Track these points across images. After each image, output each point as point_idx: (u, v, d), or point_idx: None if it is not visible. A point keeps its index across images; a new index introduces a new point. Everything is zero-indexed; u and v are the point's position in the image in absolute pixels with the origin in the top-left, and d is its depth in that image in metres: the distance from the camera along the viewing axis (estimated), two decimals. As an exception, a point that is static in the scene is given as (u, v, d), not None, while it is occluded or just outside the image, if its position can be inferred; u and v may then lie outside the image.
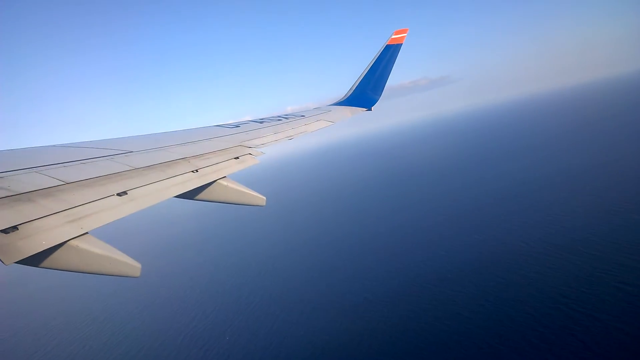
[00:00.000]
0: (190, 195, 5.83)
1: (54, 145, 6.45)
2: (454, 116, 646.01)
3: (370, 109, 15.95)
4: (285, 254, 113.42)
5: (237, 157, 7.23)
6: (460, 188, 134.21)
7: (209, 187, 6.06)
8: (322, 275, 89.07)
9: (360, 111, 15.54)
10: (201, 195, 6.04)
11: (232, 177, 6.48)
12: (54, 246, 3.55)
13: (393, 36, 16.48)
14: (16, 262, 3.28)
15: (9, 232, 3.32)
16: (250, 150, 7.80)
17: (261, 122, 10.99)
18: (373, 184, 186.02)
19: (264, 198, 6.46)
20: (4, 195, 3.75)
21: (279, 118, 12.05)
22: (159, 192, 5.10)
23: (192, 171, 6.00)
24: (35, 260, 3.50)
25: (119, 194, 4.61)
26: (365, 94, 16.31)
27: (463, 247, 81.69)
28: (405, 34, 16.55)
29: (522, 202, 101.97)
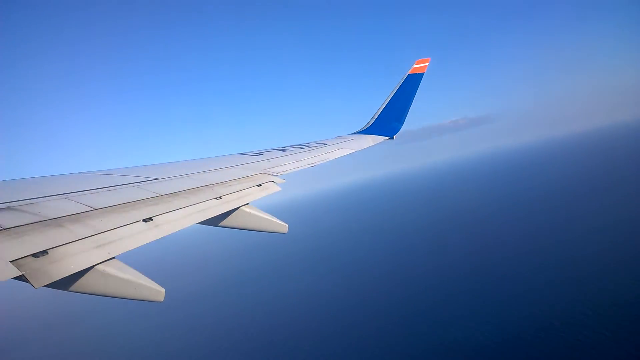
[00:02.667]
0: (214, 221, 5.89)
1: (83, 173, 6.65)
2: (490, 156, 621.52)
3: (392, 138, 15.93)
4: (307, 283, 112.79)
5: (260, 185, 7.28)
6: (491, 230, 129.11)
7: (232, 214, 6.11)
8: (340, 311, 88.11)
9: (381, 139, 15.52)
10: (224, 222, 6.09)
11: (255, 204, 6.53)
12: (82, 270, 3.63)
13: (415, 66, 16.56)
14: (45, 286, 3.35)
15: (38, 257, 3.41)
16: (272, 178, 7.84)
17: (284, 150, 11.10)
18: (409, 223, 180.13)
19: (286, 225, 6.47)
20: (35, 221, 3.87)
21: (301, 146, 12.14)
22: (183, 218, 5.18)
23: (216, 198, 6.07)
24: (64, 284, 3.57)
25: (144, 220, 4.70)
26: (387, 122, 16.31)
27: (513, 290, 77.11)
28: (427, 64, 16.61)
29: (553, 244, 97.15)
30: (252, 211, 6.32)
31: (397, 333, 68.40)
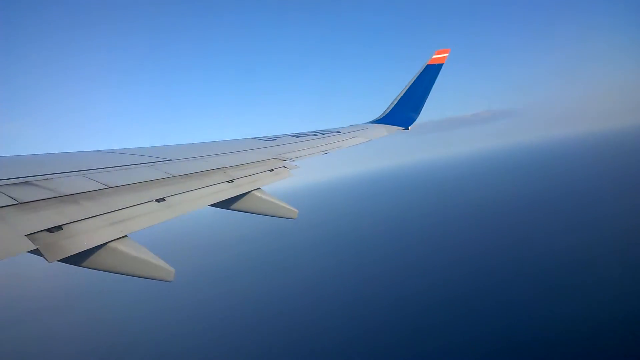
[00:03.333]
0: (225, 205, 5.94)
1: (99, 151, 6.73)
2: (510, 151, 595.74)
3: (407, 129, 15.80)
4: (314, 266, 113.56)
5: (272, 170, 7.32)
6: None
7: (243, 198, 6.14)
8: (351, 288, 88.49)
9: (396, 130, 15.41)
10: (235, 205, 6.13)
11: (266, 189, 6.57)
12: (95, 247, 3.70)
13: (434, 56, 16.33)
14: (58, 260, 3.42)
15: (53, 232, 3.47)
16: (285, 164, 7.87)
17: (297, 137, 11.10)
18: (420, 215, 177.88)
19: (296, 211, 6.49)
20: (50, 196, 3.94)
21: (315, 133, 12.13)
22: (195, 200, 5.23)
23: (228, 181, 6.12)
24: (76, 259, 3.63)
25: (157, 200, 4.75)
26: (403, 113, 16.16)
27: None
28: (446, 54, 16.36)
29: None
30: (263, 196, 6.35)
31: (406, 329, 68.23)
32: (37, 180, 4.25)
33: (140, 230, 4.20)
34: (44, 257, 3.27)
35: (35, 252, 3.25)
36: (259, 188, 6.43)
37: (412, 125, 15.95)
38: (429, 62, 16.37)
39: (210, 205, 5.58)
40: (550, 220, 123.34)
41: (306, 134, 11.77)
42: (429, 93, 16.47)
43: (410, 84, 16.50)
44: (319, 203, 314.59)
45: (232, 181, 6.19)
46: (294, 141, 10.34)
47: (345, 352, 63.38)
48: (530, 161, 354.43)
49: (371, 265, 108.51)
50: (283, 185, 7.78)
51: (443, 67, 16.25)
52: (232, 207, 6.13)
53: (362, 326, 71.30)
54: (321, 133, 12.31)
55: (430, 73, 16.41)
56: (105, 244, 3.80)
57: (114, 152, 6.67)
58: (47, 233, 3.43)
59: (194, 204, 5.17)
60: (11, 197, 3.64)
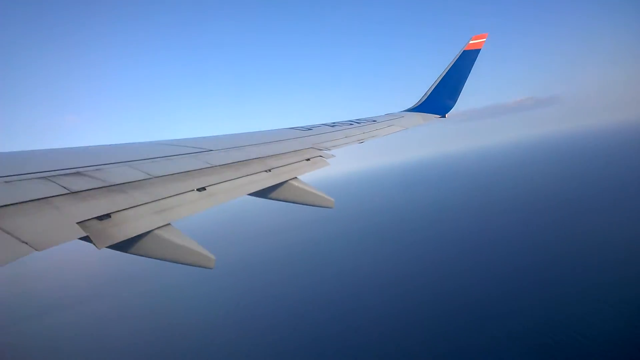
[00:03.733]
0: (263, 194, 6.05)
1: (144, 142, 6.98)
2: (554, 139, 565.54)
3: (444, 116, 15.44)
4: (354, 256, 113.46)
5: (309, 159, 7.38)
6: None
7: (280, 187, 6.24)
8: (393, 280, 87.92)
9: (433, 118, 15.10)
10: (273, 194, 6.23)
11: (303, 178, 6.63)
12: (140, 234, 3.88)
13: (471, 41, 15.79)
14: (106, 247, 3.61)
15: (102, 220, 3.66)
16: (321, 153, 7.91)
17: (333, 126, 11.09)
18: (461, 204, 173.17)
19: (333, 200, 6.52)
20: (100, 186, 4.14)
21: (350, 122, 12.07)
22: (234, 189, 5.36)
23: (266, 171, 6.23)
24: (123, 246, 3.82)
25: (198, 190, 4.90)
26: (439, 100, 15.78)
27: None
28: (484, 39, 15.79)
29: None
30: (300, 185, 6.42)
31: (453, 327, 66.58)
32: (87, 171, 4.47)
33: (182, 218, 4.36)
34: (94, 244, 3.46)
35: (86, 239, 3.45)
36: (296, 177, 6.50)
37: (448, 113, 15.58)
38: (465, 48, 15.86)
39: (249, 195, 5.70)
40: (606, 213, 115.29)
41: (342, 124, 11.74)
42: (465, 80, 15.98)
43: (446, 71, 16.06)
44: (357, 192, 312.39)
45: (270, 170, 6.29)
46: (329, 130, 10.34)
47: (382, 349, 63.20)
48: (579, 149, 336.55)
49: (411, 261, 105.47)
50: (320, 175, 7.82)
51: (483, 53, 15.69)
52: (270, 196, 6.24)
53: (402, 327, 70.13)
54: (357, 122, 12.24)
55: (467, 59, 15.89)
56: (150, 231, 3.97)
57: (159, 143, 6.90)
58: (97, 221, 3.62)
59: (233, 193, 5.30)
60: (64, 187, 3.85)
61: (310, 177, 6.77)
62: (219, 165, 5.81)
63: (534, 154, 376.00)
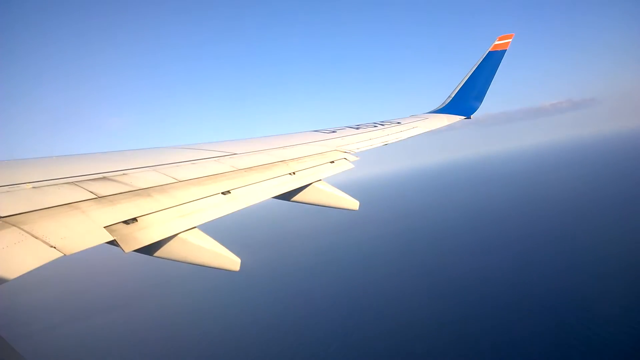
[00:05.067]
0: (287, 196, 6.03)
1: (169, 147, 7.06)
2: (590, 142, 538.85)
3: (469, 117, 15.18)
4: (378, 260, 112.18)
5: (333, 162, 7.32)
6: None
7: (304, 190, 6.22)
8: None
9: (458, 119, 14.85)
10: (297, 197, 6.21)
11: (328, 180, 6.57)
12: (166, 238, 3.89)
13: (496, 42, 15.46)
14: (133, 251, 3.63)
15: (129, 224, 3.69)
16: (345, 155, 7.85)
17: (357, 128, 11.00)
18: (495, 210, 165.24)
19: (357, 202, 6.45)
20: (126, 190, 4.19)
21: (374, 124, 11.96)
22: (259, 192, 5.37)
23: (290, 173, 6.21)
24: (150, 250, 3.85)
25: (223, 193, 4.92)
26: (464, 102, 15.52)
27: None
28: (509, 40, 15.43)
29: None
30: (324, 187, 6.37)
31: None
32: (114, 176, 4.53)
33: (208, 222, 4.37)
34: (121, 248, 3.48)
35: (113, 242, 3.48)
36: (320, 180, 6.46)
37: (473, 114, 15.32)
38: (490, 49, 15.55)
39: (273, 197, 5.68)
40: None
41: (366, 125, 11.64)
42: (491, 81, 15.67)
43: (471, 72, 15.78)
44: (385, 195, 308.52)
45: (294, 173, 6.27)
46: (353, 133, 10.25)
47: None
48: (613, 153, 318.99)
49: (442, 267, 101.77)
50: (344, 178, 7.74)
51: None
52: (294, 199, 6.21)
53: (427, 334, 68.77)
54: (381, 124, 12.12)
55: (492, 60, 15.57)
56: (176, 235, 4.00)
57: (184, 147, 6.97)
58: (124, 225, 3.65)
59: (258, 196, 5.30)
60: (91, 192, 3.90)
61: (334, 180, 6.71)
62: (244, 169, 5.81)
63: (565, 158, 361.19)
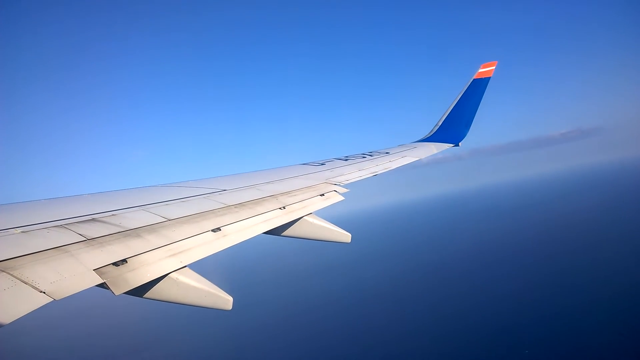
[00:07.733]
0: (278, 231, 6.00)
1: (158, 185, 7.05)
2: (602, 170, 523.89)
3: (457, 145, 15.36)
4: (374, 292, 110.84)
5: (323, 194, 7.33)
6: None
7: (295, 224, 6.20)
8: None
9: (446, 147, 15.02)
10: (288, 232, 6.18)
11: (318, 214, 6.57)
12: (157, 278, 3.84)
13: (480, 70, 15.81)
14: (123, 293, 3.57)
15: (119, 265, 3.65)
16: (335, 187, 7.87)
17: (346, 160, 11.07)
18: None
19: (349, 235, 6.43)
20: (116, 231, 4.16)
21: (363, 155, 12.04)
22: (249, 228, 5.34)
23: (280, 208, 6.19)
24: (140, 291, 3.79)
25: (213, 230, 4.89)
26: (451, 129, 15.72)
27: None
28: (493, 67, 15.78)
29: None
30: (315, 221, 6.36)
31: None
32: (103, 217, 4.51)
33: (198, 260, 4.33)
34: (111, 291, 3.43)
35: (103, 285, 3.42)
36: (311, 213, 6.46)
37: (461, 142, 15.48)
38: (475, 77, 15.85)
39: (264, 233, 5.65)
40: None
41: (354, 157, 11.72)
42: (477, 108, 15.91)
43: (457, 100, 16.03)
44: (377, 229, 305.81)
45: (284, 208, 6.26)
46: (342, 164, 10.32)
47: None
48: (614, 181, 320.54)
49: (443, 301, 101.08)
50: (337, 210, 7.71)
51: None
52: (285, 233, 6.18)
53: None
54: (369, 154, 12.21)
55: (477, 87, 15.85)
56: (167, 275, 3.94)
57: (173, 185, 6.96)
58: (113, 267, 3.60)
59: (248, 232, 5.28)
60: (80, 234, 3.87)
61: (325, 213, 6.71)
62: (233, 205, 5.81)
63: (573, 186, 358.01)
